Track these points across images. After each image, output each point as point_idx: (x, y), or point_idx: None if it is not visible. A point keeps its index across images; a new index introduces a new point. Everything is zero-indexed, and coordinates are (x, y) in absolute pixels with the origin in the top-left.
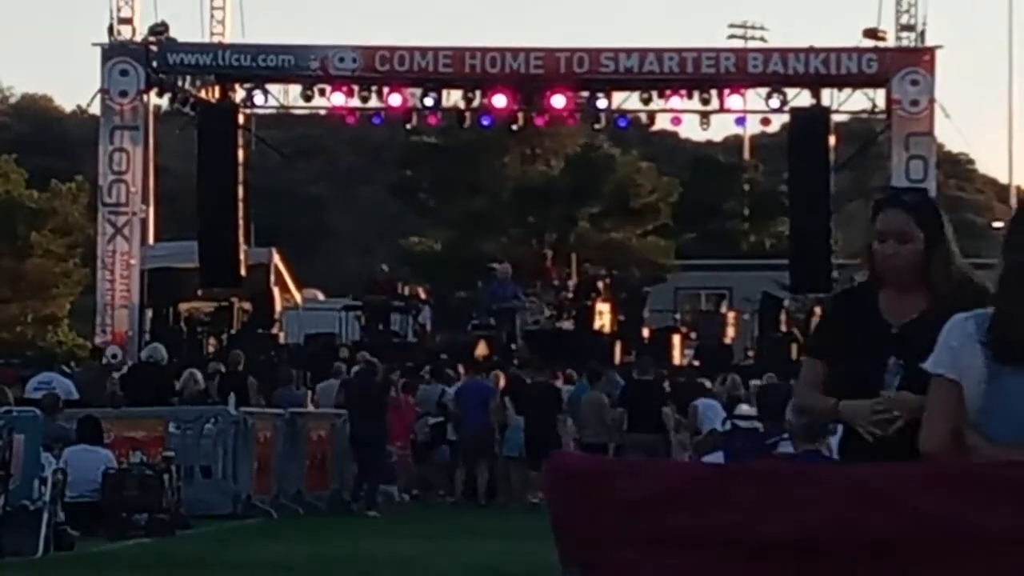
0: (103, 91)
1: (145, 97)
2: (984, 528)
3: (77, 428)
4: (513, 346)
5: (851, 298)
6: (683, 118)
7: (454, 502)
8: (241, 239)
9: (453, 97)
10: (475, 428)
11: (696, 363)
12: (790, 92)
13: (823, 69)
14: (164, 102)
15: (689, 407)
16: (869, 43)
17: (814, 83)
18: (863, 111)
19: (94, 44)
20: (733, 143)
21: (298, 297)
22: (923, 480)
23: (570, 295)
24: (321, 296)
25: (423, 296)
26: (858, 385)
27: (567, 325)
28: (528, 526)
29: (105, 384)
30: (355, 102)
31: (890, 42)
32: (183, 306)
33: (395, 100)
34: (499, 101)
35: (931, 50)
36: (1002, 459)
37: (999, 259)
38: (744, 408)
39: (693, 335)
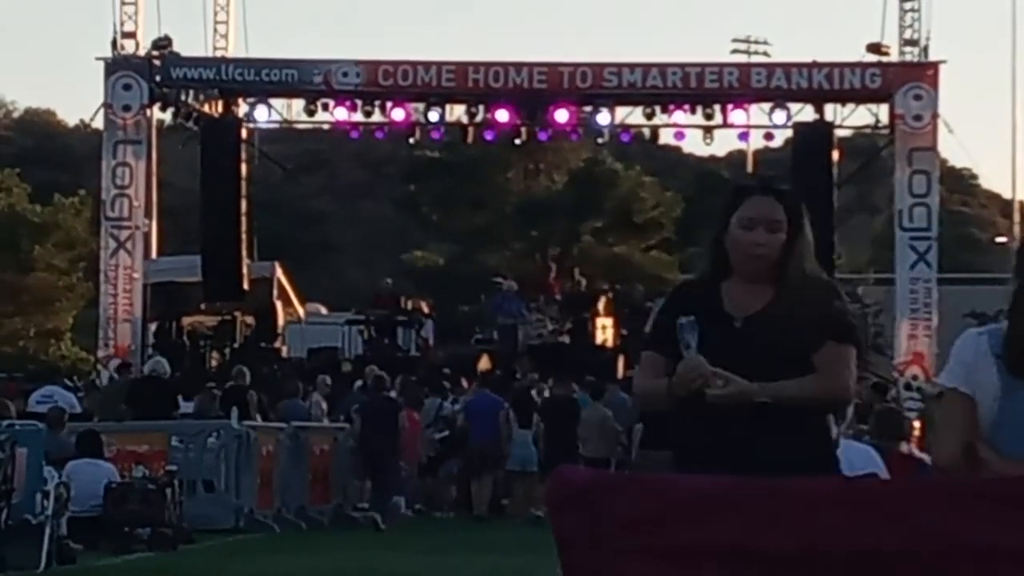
0: (106, 105)
1: (148, 111)
2: (992, 543)
3: (77, 442)
4: (515, 361)
5: (691, 290)
6: (686, 133)
7: (457, 516)
8: (244, 253)
9: (456, 112)
10: (483, 441)
11: None
12: (793, 107)
13: (826, 84)
14: (167, 116)
15: None
16: (872, 58)
17: (817, 98)
18: (866, 126)
19: (97, 58)
20: (736, 158)
21: (301, 311)
22: (930, 494)
23: (558, 308)
24: (324, 310)
25: (426, 310)
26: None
27: (569, 339)
28: (531, 540)
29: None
30: (358, 116)
31: (893, 57)
32: (186, 320)
33: (398, 115)
34: (502, 116)
35: (934, 65)
36: (1012, 474)
37: (1012, 277)
38: None
39: None
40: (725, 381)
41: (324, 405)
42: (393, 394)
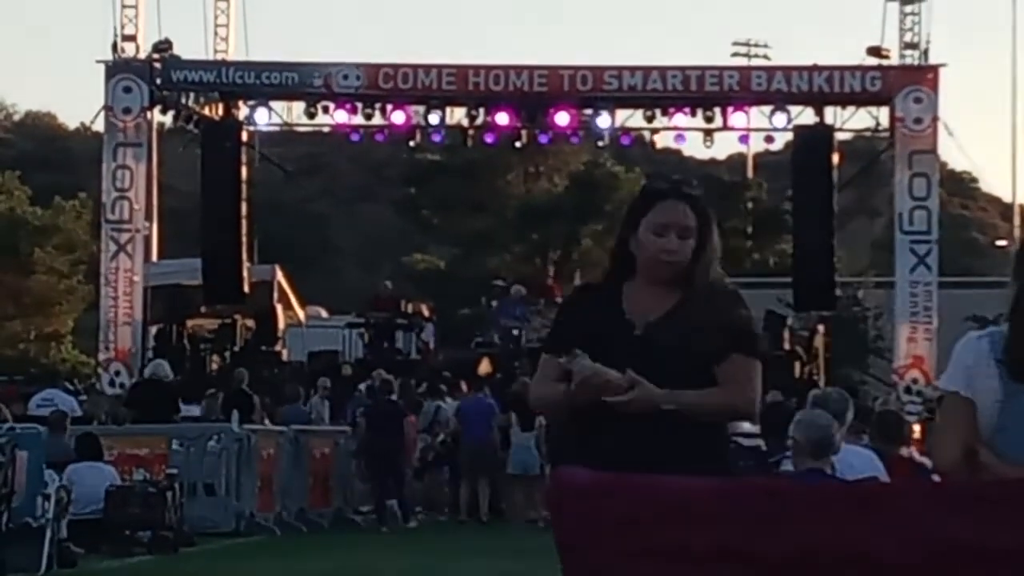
0: (107, 108)
1: (149, 114)
2: (993, 546)
3: (76, 445)
4: (516, 363)
5: (592, 294)
6: (686, 136)
7: (457, 519)
8: (244, 256)
9: (456, 115)
10: (475, 444)
11: None
12: (793, 110)
13: (826, 87)
14: (168, 119)
15: None
16: (872, 61)
17: (817, 101)
18: (866, 129)
19: (98, 61)
20: (736, 161)
21: (301, 314)
22: (930, 497)
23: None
24: (324, 313)
25: (426, 313)
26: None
27: None
28: (532, 543)
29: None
30: (358, 119)
31: (893, 60)
32: (186, 323)
33: (398, 117)
34: (502, 119)
35: (935, 68)
36: (1010, 476)
37: (1011, 281)
38: (746, 426)
39: None
40: (630, 383)
41: (327, 408)
42: (393, 397)
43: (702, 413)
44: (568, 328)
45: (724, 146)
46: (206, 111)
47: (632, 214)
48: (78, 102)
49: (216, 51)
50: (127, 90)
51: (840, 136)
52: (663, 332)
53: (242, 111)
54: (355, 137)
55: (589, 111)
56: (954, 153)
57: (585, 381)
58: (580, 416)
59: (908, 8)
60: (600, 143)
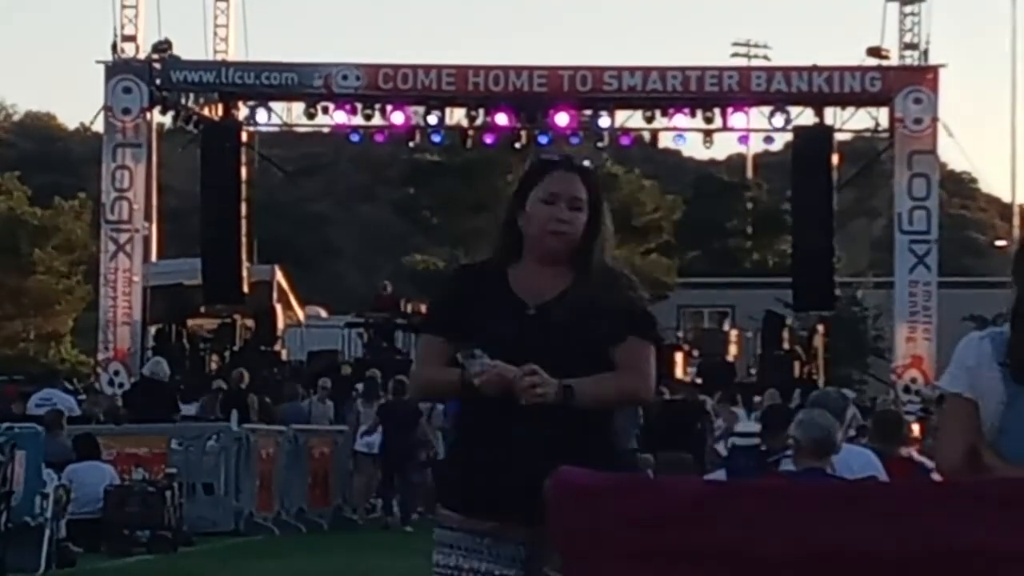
0: (106, 108)
1: (148, 115)
2: (993, 545)
3: (74, 445)
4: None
5: (477, 272)
6: (686, 136)
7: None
8: (244, 256)
9: (456, 115)
10: None
11: (698, 380)
12: (793, 110)
13: (826, 88)
14: (168, 120)
15: None
16: (872, 62)
17: (817, 101)
18: (866, 129)
19: (98, 62)
20: (736, 161)
21: (301, 314)
22: (929, 497)
23: None
24: (324, 313)
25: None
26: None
27: None
28: None
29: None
30: (358, 120)
31: (893, 61)
32: (186, 323)
33: (398, 118)
34: (502, 119)
35: (934, 69)
36: (1012, 476)
37: (1011, 282)
38: (745, 425)
39: (695, 352)
40: (541, 381)
41: (331, 408)
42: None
43: (607, 401)
44: (454, 308)
45: (724, 146)
46: (206, 111)
47: (521, 188)
48: (78, 102)
49: (216, 51)
50: (127, 90)
51: (840, 136)
52: (558, 312)
53: (242, 111)
54: (355, 137)
55: (589, 111)
56: (954, 153)
57: (489, 382)
58: (479, 405)
59: (908, 8)
60: (600, 143)
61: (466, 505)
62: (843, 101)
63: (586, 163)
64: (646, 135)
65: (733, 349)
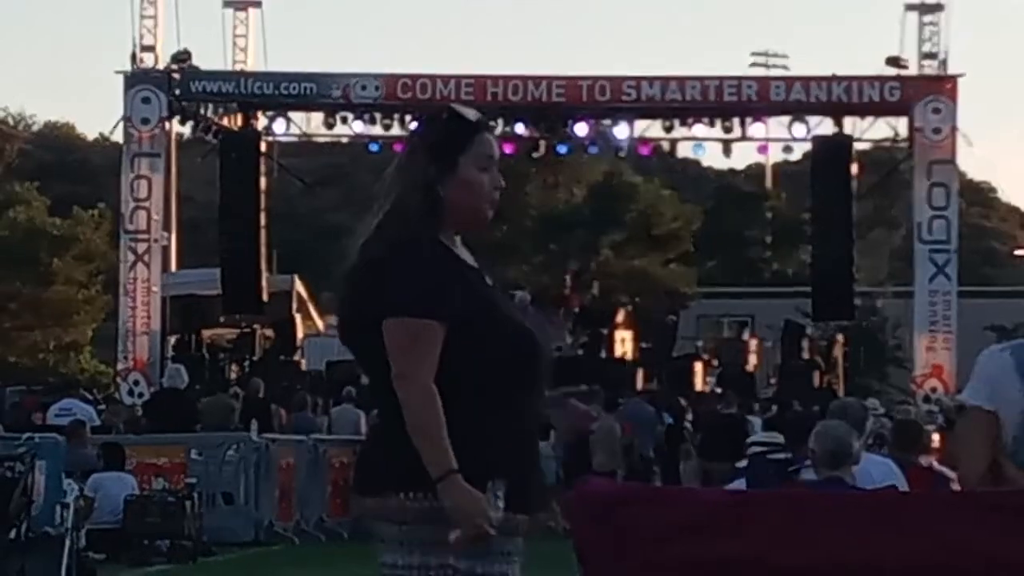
0: (125, 118)
1: (167, 125)
2: (1010, 555)
3: (100, 454)
4: None
5: (433, 245)
6: (705, 146)
7: None
8: (263, 266)
9: None
10: None
11: (718, 390)
12: (812, 120)
13: (845, 97)
14: (187, 130)
15: None
16: (891, 71)
17: (836, 111)
18: (885, 139)
19: (117, 72)
20: (755, 171)
21: (320, 324)
22: (948, 507)
23: (574, 321)
24: None
25: None
26: (532, 347)
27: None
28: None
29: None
30: (377, 130)
31: (912, 70)
32: (205, 333)
33: (424, 122)
34: (521, 129)
35: (953, 78)
36: None
37: None
38: (766, 435)
39: (715, 362)
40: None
41: (363, 417)
42: None
43: None
44: (453, 287)
45: (743, 156)
46: (225, 121)
47: (448, 151)
48: (97, 113)
49: (235, 61)
50: (146, 100)
51: (859, 146)
52: (494, 284)
53: (261, 121)
54: (373, 147)
55: (608, 121)
56: (973, 163)
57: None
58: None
59: (927, 18)
60: (619, 153)
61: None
62: (862, 111)
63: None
64: (665, 145)
65: (753, 359)
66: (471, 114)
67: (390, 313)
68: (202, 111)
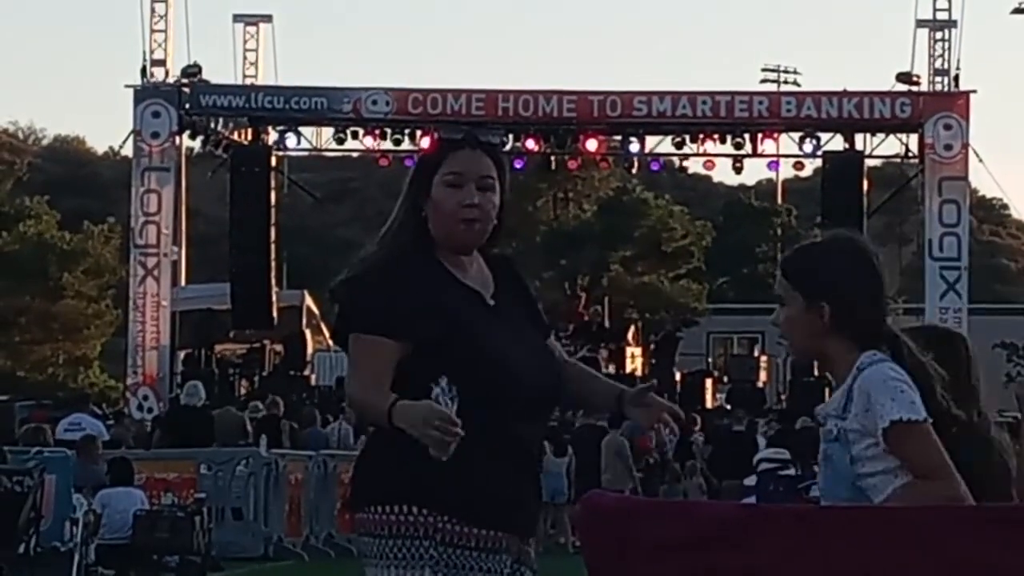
0: (135, 133)
1: (177, 139)
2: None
3: (108, 470)
4: None
5: (411, 262)
6: (716, 162)
7: None
8: (273, 281)
9: None
10: None
11: (728, 407)
12: (823, 136)
13: (856, 113)
14: (197, 144)
15: None
16: (902, 87)
17: (847, 127)
18: (896, 155)
19: (127, 86)
20: (766, 187)
21: (330, 339)
22: (958, 522)
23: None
24: None
25: None
26: (501, 373)
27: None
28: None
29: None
30: (387, 145)
31: (923, 86)
32: (215, 348)
33: (427, 143)
34: (531, 144)
35: (965, 95)
36: None
37: None
38: (773, 452)
39: (725, 379)
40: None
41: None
42: None
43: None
44: (407, 300)
45: (754, 172)
46: (235, 136)
47: (423, 172)
48: (107, 127)
49: (245, 76)
50: (156, 115)
51: (870, 162)
52: (509, 304)
53: (271, 136)
54: (384, 162)
55: (618, 137)
56: (984, 179)
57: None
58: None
59: (938, 34)
60: (629, 169)
61: (472, 516)
62: (873, 127)
63: (491, 139)
64: (676, 160)
65: (763, 375)
66: (453, 133)
67: (347, 329)
68: (212, 125)
